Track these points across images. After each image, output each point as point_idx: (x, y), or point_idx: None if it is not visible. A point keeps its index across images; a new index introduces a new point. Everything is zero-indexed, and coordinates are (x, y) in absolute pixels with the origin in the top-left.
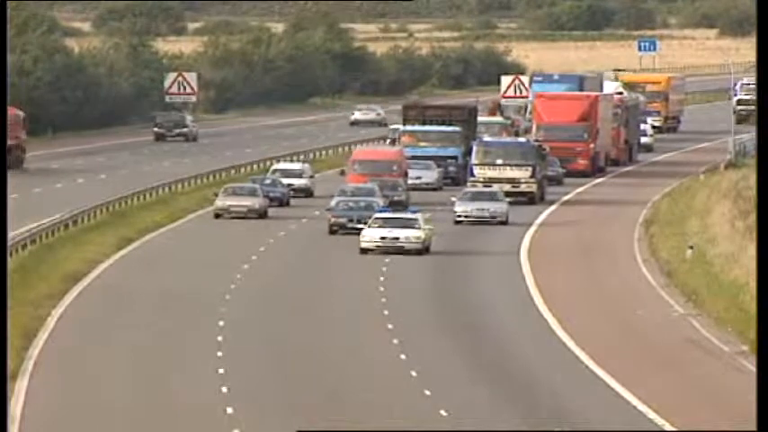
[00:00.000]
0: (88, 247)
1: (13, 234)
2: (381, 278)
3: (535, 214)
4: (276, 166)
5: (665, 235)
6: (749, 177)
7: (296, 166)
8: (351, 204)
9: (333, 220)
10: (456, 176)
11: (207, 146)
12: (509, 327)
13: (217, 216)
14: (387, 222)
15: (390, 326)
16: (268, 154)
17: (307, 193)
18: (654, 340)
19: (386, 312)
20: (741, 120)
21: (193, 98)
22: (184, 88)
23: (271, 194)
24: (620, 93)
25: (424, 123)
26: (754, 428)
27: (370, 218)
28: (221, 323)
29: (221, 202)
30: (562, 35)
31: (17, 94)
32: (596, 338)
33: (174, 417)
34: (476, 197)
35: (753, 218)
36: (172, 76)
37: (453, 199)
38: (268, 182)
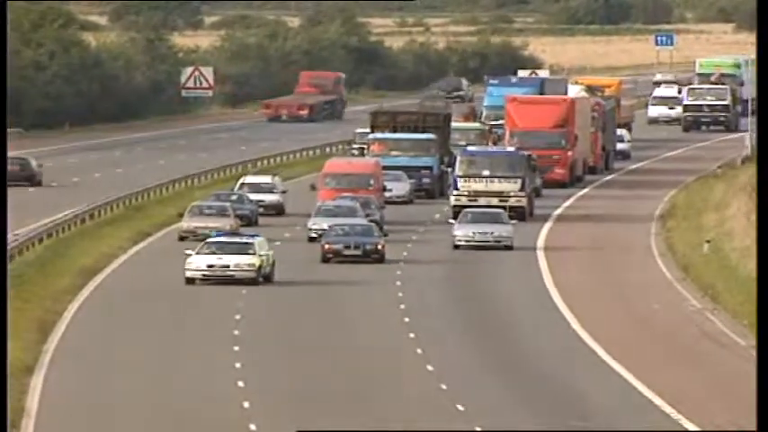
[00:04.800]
0: (105, 241)
1: (28, 229)
2: (398, 272)
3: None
4: (244, 179)
5: (683, 228)
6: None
7: (266, 179)
8: (346, 230)
9: (327, 247)
10: (431, 189)
11: None
12: (526, 323)
13: (182, 239)
14: (218, 248)
15: (407, 319)
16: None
17: (278, 210)
18: (671, 334)
19: (402, 307)
20: (688, 127)
21: (210, 93)
22: (201, 83)
23: (238, 212)
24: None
25: (394, 130)
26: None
27: (369, 244)
28: (237, 317)
29: (186, 223)
30: (579, 29)
31: (33, 87)
32: (617, 335)
33: (191, 410)
34: (477, 219)
35: None
36: (188, 70)
37: (451, 221)
38: (234, 198)
